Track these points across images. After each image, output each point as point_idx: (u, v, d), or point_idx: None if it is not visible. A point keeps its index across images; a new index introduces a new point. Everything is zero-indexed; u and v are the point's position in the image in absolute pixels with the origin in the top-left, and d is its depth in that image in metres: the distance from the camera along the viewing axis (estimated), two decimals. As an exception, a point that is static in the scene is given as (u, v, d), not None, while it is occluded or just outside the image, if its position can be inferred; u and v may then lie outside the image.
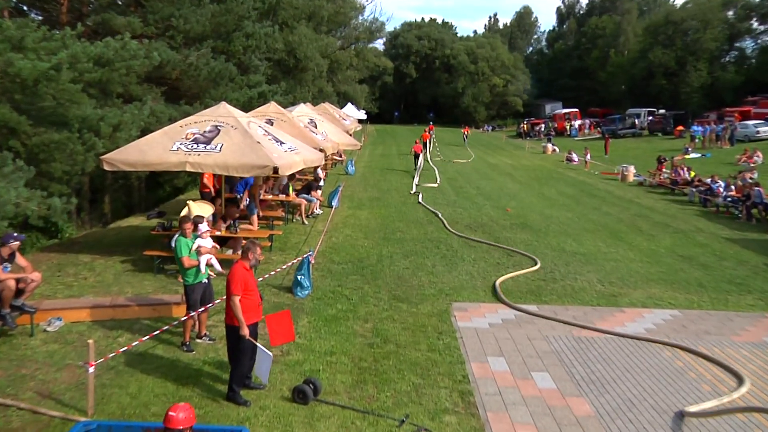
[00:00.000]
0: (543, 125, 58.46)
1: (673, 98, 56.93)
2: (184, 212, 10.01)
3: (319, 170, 18.73)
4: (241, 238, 11.17)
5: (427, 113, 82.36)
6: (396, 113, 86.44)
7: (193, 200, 11.36)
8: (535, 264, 12.21)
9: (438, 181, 24.63)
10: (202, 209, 10.16)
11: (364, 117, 57.99)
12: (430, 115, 79.91)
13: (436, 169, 28.56)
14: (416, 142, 29.70)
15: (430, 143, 36.24)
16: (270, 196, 15.56)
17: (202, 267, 7.53)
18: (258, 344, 6.41)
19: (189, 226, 7.77)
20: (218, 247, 8.16)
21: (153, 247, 11.26)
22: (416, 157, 28.49)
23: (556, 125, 56.90)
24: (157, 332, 7.30)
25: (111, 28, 16.95)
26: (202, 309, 7.64)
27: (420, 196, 20.28)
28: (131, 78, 16.04)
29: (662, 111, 51.07)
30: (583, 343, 8.27)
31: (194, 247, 7.65)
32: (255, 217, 12.67)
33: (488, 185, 24.29)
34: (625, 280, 11.44)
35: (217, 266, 7.94)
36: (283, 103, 24.94)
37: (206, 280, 7.67)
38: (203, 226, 8.05)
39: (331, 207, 17.06)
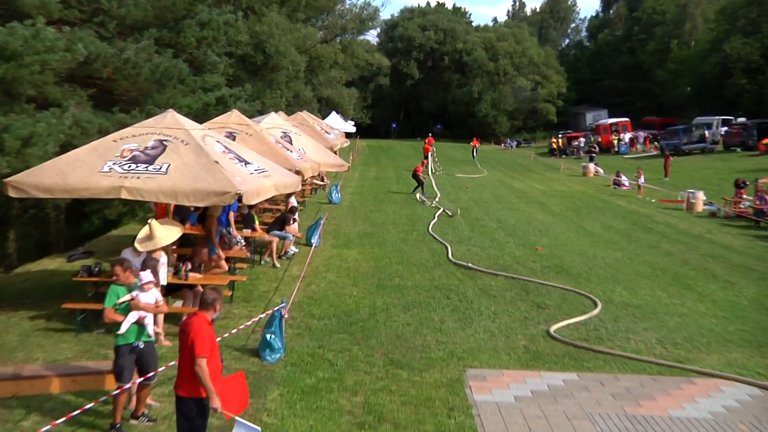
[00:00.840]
0: (583, 140, 59.16)
1: (756, 103, 56.75)
2: (142, 233, 9.98)
3: (292, 198, 18.84)
4: (196, 286, 11.17)
5: (433, 125, 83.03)
6: (394, 125, 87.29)
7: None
8: (595, 306, 12.76)
9: (437, 198, 27.72)
10: (168, 232, 10.13)
11: (353, 130, 58.58)
12: (438, 127, 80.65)
13: (437, 189, 29.87)
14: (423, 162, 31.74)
15: (431, 157, 38.52)
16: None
17: (123, 327, 7.45)
18: (239, 419, 6.33)
19: (120, 270, 7.74)
20: (161, 302, 8.07)
21: (75, 298, 11.21)
22: (416, 177, 29.75)
23: (599, 139, 57.59)
24: (78, 412, 7.20)
25: (18, 10, 16.83)
26: (142, 379, 7.57)
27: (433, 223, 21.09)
28: (47, 77, 16.08)
29: (742, 119, 51.54)
30: (640, 423, 8.23)
31: (126, 297, 7.59)
32: (218, 257, 12.71)
33: (512, 217, 24.45)
34: (695, 341, 11.44)
35: (150, 329, 7.78)
36: (249, 112, 25.23)
37: (141, 344, 7.58)
38: (145, 275, 7.94)
39: (311, 245, 17.09)
